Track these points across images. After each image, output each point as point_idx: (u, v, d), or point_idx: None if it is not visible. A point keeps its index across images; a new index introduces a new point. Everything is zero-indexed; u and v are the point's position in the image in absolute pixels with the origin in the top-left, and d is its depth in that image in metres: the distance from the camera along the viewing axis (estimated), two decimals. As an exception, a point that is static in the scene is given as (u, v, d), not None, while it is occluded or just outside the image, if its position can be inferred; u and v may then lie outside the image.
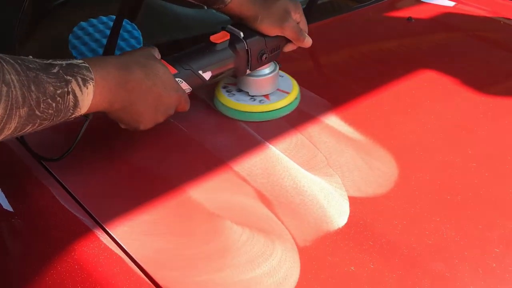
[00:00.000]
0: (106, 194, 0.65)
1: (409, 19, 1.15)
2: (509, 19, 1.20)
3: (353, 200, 0.63)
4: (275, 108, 0.78)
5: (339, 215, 0.61)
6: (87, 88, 0.56)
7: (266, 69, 0.80)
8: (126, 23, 1.01)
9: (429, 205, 0.63)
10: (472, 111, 0.81)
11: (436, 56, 1.00)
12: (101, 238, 0.59)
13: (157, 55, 0.68)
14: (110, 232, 0.59)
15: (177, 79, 0.68)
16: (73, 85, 0.54)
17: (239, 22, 0.77)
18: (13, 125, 0.50)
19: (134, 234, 0.59)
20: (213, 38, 0.74)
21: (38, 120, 0.52)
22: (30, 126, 0.52)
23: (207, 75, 0.72)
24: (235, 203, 0.64)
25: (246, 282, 0.53)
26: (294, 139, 0.74)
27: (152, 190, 0.65)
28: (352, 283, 0.53)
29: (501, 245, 0.57)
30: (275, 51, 0.79)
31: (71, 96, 0.54)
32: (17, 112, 0.50)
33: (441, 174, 0.68)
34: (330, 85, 0.82)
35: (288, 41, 0.80)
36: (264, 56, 0.77)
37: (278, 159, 0.70)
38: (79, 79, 0.55)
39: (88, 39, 0.97)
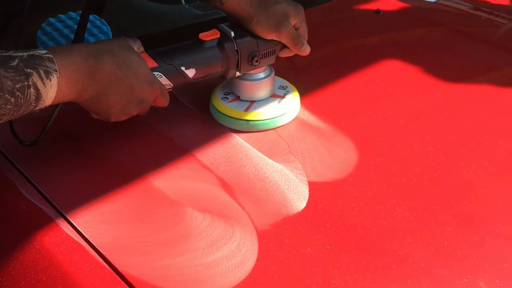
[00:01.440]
0: (68, 184, 0.65)
1: (377, 11, 1.17)
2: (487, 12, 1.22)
3: (312, 185, 0.65)
4: (257, 119, 0.74)
5: (298, 199, 0.62)
6: (50, 80, 0.54)
7: (260, 73, 0.76)
8: (95, 19, 1.01)
9: (386, 188, 0.64)
10: (434, 100, 0.83)
11: (403, 49, 1.02)
12: (62, 227, 0.59)
13: (137, 47, 0.66)
14: (72, 221, 0.60)
15: (156, 73, 0.66)
16: (34, 78, 0.53)
17: (236, 22, 0.74)
18: None
19: (95, 223, 0.60)
20: (202, 35, 0.71)
21: None
22: None
23: (190, 73, 0.69)
24: (197, 190, 0.65)
25: (206, 265, 0.54)
26: (258, 128, 0.75)
27: (115, 180, 0.65)
28: (308, 264, 0.54)
29: (453, 224, 0.59)
30: (269, 55, 0.75)
31: (32, 89, 0.53)
32: None
33: (399, 159, 0.69)
34: (295, 74, 0.83)
35: (284, 46, 0.76)
36: (255, 59, 0.73)
37: (241, 147, 0.71)
38: (41, 71, 0.53)
39: (56, 35, 0.98)
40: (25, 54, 0.53)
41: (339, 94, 0.84)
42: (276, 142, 0.73)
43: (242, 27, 0.73)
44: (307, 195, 0.63)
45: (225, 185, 0.65)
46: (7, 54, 0.52)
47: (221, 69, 0.72)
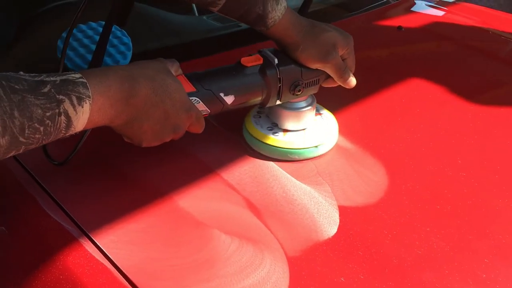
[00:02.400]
0: (92, 202, 0.64)
1: (399, 28, 1.15)
2: (497, 30, 1.21)
3: (343, 210, 0.63)
4: (295, 147, 0.71)
5: (329, 224, 0.61)
6: (82, 107, 0.51)
7: (301, 102, 0.73)
8: (115, 29, 1.00)
9: (419, 215, 0.62)
10: (461, 120, 0.82)
11: (426, 65, 1.01)
12: (87, 247, 0.57)
13: (175, 69, 0.62)
14: (96, 242, 0.58)
15: (193, 98, 0.62)
16: (66, 105, 0.49)
17: (281, 48, 0.72)
18: None
19: (121, 244, 0.58)
20: (244, 60, 0.68)
21: (23, 146, 0.49)
22: (13, 152, 0.49)
23: (229, 99, 0.66)
24: (223, 212, 0.63)
25: (235, 293, 0.53)
26: (284, 148, 0.73)
27: (140, 198, 0.64)
28: (342, 294, 0.53)
29: (491, 255, 0.57)
30: (312, 85, 0.72)
31: (63, 117, 0.50)
32: None
33: (431, 184, 0.68)
34: (319, 93, 0.81)
35: (329, 76, 0.73)
36: (298, 88, 0.70)
37: (267, 167, 0.70)
38: (74, 98, 0.50)
39: (76, 45, 0.96)
40: (58, 78, 0.50)
41: (364, 114, 0.82)
42: (303, 163, 0.71)
43: (286, 54, 0.71)
44: (338, 220, 0.61)
45: (252, 207, 0.63)
46: (39, 78, 0.49)
47: (261, 97, 0.69)
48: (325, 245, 0.58)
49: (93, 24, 1.01)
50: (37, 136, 0.49)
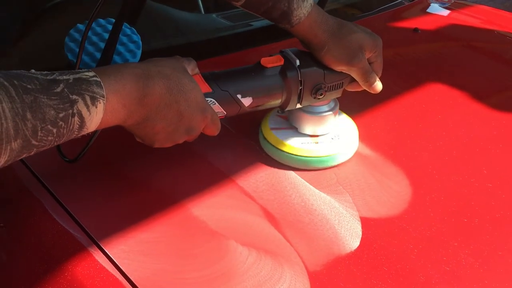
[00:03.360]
0: (103, 209, 0.61)
1: (415, 30, 1.12)
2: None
3: (365, 221, 0.60)
4: (314, 155, 0.67)
5: (351, 237, 0.58)
6: (96, 107, 0.48)
7: (323, 106, 0.69)
8: (125, 27, 0.97)
9: (445, 228, 0.59)
10: (485, 127, 0.78)
11: (446, 69, 0.98)
12: (96, 257, 0.54)
13: (192, 68, 0.60)
14: (107, 251, 0.55)
15: (209, 99, 0.60)
16: (79, 106, 0.47)
17: (306, 47, 0.69)
18: (3, 159, 0.44)
19: (132, 254, 0.55)
20: (264, 61, 0.64)
21: (35, 149, 0.46)
22: (24, 155, 0.46)
23: (246, 101, 0.63)
24: (240, 221, 0.60)
25: (253, 309, 0.50)
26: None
27: (152, 206, 0.61)
28: (367, 312, 0.50)
29: (524, 274, 0.54)
30: (335, 89, 0.68)
31: (76, 118, 0.47)
32: (8, 146, 0.43)
33: (457, 195, 0.65)
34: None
35: (354, 79, 0.69)
36: (320, 92, 0.66)
37: (285, 174, 0.67)
38: (87, 98, 0.47)
39: (85, 42, 0.93)
40: (71, 77, 0.47)
41: (384, 119, 0.79)
42: (321, 170, 0.68)
43: (309, 55, 0.67)
44: (360, 233, 0.58)
45: (270, 216, 0.61)
46: (52, 77, 0.46)
47: (281, 100, 0.66)
48: (348, 259, 0.55)
49: (102, 21, 0.98)
50: (49, 138, 0.46)
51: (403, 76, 0.94)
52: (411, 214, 0.61)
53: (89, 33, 0.95)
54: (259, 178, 0.66)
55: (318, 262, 0.55)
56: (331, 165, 0.68)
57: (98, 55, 0.90)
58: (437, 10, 1.31)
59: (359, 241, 0.57)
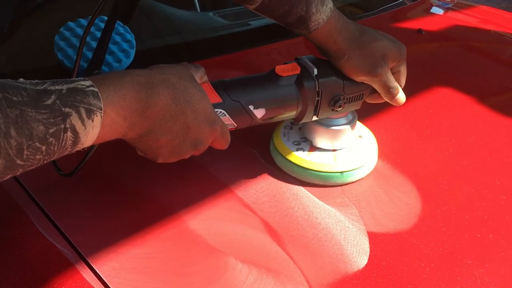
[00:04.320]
0: (91, 222, 0.56)
1: (419, 31, 1.09)
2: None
3: (373, 236, 0.56)
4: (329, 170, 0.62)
5: (358, 254, 0.54)
6: (92, 121, 0.43)
7: (341, 119, 0.64)
8: (118, 25, 0.93)
9: (458, 244, 0.56)
10: (496, 136, 0.75)
11: (452, 71, 0.94)
12: (84, 275, 0.50)
13: (200, 76, 0.55)
14: (95, 268, 0.51)
15: (218, 110, 0.55)
16: (73, 120, 0.42)
17: (324, 55, 0.64)
18: None
19: (123, 271, 0.51)
20: (279, 69, 0.59)
21: (21, 169, 0.41)
22: (9, 176, 0.41)
23: (259, 113, 0.58)
24: (239, 236, 0.56)
25: (254, 334, 0.46)
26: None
27: (145, 218, 0.57)
28: (377, 338, 0.46)
29: (544, 296, 0.50)
30: (354, 100, 0.63)
31: (69, 133, 0.42)
32: None
33: (469, 208, 0.61)
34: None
35: (374, 90, 0.64)
36: (338, 104, 0.61)
37: (287, 184, 0.63)
38: (82, 111, 0.42)
39: (75, 41, 0.89)
40: (64, 87, 0.42)
41: (390, 126, 0.76)
42: (326, 180, 0.64)
43: (327, 63, 0.62)
44: (368, 249, 0.55)
45: (271, 230, 0.57)
46: (42, 87, 0.41)
47: (296, 112, 0.61)
48: (355, 278, 0.51)
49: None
50: (38, 157, 0.41)
51: (410, 79, 0.90)
52: (421, 228, 0.58)
53: (80, 31, 0.91)
54: (259, 188, 0.62)
55: (323, 281, 0.51)
56: (349, 181, 0.64)
57: (89, 54, 0.86)
58: (440, 10, 1.28)
59: (367, 259, 0.53)
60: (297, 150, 0.64)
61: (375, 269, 0.52)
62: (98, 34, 0.88)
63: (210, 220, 0.57)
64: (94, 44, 0.87)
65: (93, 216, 0.57)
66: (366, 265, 0.53)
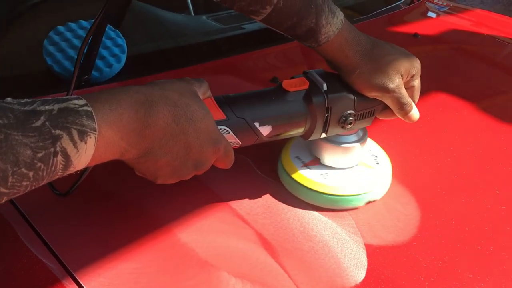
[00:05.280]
0: (79, 236, 0.54)
1: (415, 35, 1.07)
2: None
3: (370, 249, 0.54)
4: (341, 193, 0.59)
5: (355, 267, 0.52)
6: (85, 143, 0.40)
7: (351, 136, 0.61)
8: (108, 29, 0.91)
9: (458, 257, 0.54)
10: (496, 144, 0.74)
11: (448, 76, 0.93)
12: (71, 291, 0.48)
13: (203, 92, 0.52)
14: (82, 284, 0.49)
15: (222, 127, 0.52)
16: (64, 142, 0.39)
17: (333, 69, 0.61)
18: None
19: (112, 287, 0.49)
20: (286, 84, 0.57)
21: (5, 197, 0.39)
22: None
23: (265, 130, 0.55)
24: (232, 249, 0.54)
25: None
26: (299, 171, 0.65)
27: (136, 232, 0.55)
28: None
29: (547, 311, 0.49)
30: (365, 117, 0.60)
31: (60, 157, 0.39)
32: None
33: (469, 220, 0.59)
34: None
35: (386, 106, 0.61)
36: (349, 121, 0.58)
37: (281, 194, 0.61)
38: (74, 132, 0.40)
39: (65, 46, 0.87)
40: (55, 107, 0.39)
41: (383, 130, 0.74)
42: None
43: (337, 78, 0.59)
44: (366, 263, 0.53)
45: (265, 243, 0.55)
46: (31, 108, 0.38)
47: (304, 128, 0.58)
48: (353, 293, 0.50)
49: (84, 23, 0.91)
50: (24, 183, 0.38)
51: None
52: (420, 240, 0.56)
53: (70, 36, 0.89)
54: (253, 198, 0.60)
55: (320, 297, 0.49)
56: (350, 207, 0.60)
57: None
58: (436, 14, 1.27)
59: (364, 272, 0.52)
60: (304, 168, 0.61)
61: (373, 284, 0.51)
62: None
63: (202, 233, 0.56)
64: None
65: (81, 230, 0.55)
66: (364, 279, 0.51)
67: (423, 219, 0.59)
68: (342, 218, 0.58)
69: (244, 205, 0.59)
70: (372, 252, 0.54)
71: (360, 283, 0.51)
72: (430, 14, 1.26)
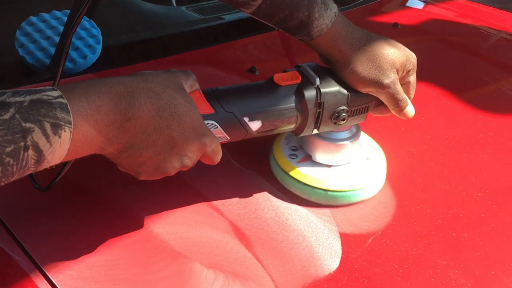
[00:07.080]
0: (47, 227, 0.53)
1: (395, 25, 1.07)
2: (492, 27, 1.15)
3: (345, 238, 0.54)
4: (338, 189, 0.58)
5: (329, 256, 0.52)
6: (59, 137, 0.38)
7: (344, 132, 0.60)
8: (84, 20, 0.89)
9: (432, 244, 0.54)
10: (472, 131, 0.74)
11: (427, 66, 0.93)
12: (39, 285, 0.47)
13: (190, 85, 0.50)
14: (51, 277, 0.48)
15: (209, 122, 0.51)
16: (35, 136, 0.37)
17: (327, 64, 0.59)
18: None
19: (81, 281, 0.48)
20: (277, 78, 0.55)
21: None
22: None
23: (254, 125, 0.54)
24: (206, 240, 0.53)
25: None
26: (275, 161, 0.64)
27: (106, 224, 0.54)
28: None
29: (519, 296, 0.49)
30: (359, 113, 0.58)
31: (31, 151, 0.37)
32: None
33: (444, 206, 0.59)
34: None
35: (381, 102, 0.59)
36: (342, 117, 0.56)
37: (257, 184, 0.60)
38: (47, 126, 0.38)
39: (38, 36, 0.85)
40: (26, 98, 0.37)
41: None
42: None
43: (330, 72, 0.57)
44: (340, 251, 0.52)
45: (239, 233, 0.54)
46: (1, 98, 0.36)
47: (295, 124, 0.56)
48: (326, 281, 0.49)
49: (58, 13, 0.89)
50: None
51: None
52: (394, 228, 0.56)
53: (43, 26, 0.87)
54: (228, 189, 0.59)
55: (293, 286, 0.49)
56: (358, 201, 0.59)
57: (52, 50, 0.82)
58: (416, 4, 1.26)
59: (338, 261, 0.51)
60: (290, 156, 0.61)
61: (347, 272, 0.50)
62: (61, 28, 0.85)
63: (175, 224, 0.55)
64: (57, 39, 0.83)
65: (49, 222, 0.54)
66: (337, 267, 0.51)
67: (398, 207, 0.59)
68: (317, 207, 0.58)
69: (218, 195, 0.58)
70: (347, 240, 0.54)
71: (334, 271, 0.50)
72: (410, 4, 1.26)
